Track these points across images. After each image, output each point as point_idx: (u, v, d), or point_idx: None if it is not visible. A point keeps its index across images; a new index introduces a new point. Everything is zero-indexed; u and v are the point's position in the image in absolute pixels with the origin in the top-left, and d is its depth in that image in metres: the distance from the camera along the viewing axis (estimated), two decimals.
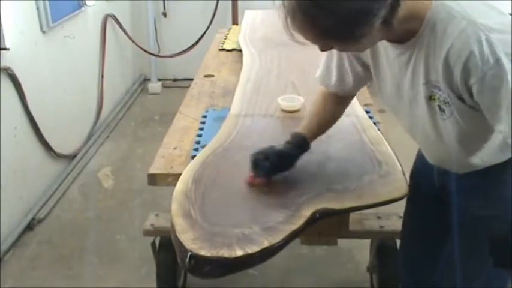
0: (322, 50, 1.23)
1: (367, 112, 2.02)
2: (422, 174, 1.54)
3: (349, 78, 1.49)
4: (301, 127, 1.55)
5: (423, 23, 1.18)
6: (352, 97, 1.62)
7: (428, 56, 1.21)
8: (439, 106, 1.25)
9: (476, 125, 1.25)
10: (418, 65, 1.24)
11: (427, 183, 1.52)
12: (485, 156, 1.33)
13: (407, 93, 1.31)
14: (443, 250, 1.49)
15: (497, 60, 1.11)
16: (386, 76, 1.36)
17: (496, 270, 1.39)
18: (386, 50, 1.31)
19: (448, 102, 1.22)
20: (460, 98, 1.20)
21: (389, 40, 1.26)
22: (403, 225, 1.73)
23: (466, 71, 1.14)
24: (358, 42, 1.14)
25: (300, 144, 1.50)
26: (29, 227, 2.83)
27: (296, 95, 2.11)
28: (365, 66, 1.45)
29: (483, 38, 1.10)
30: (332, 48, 1.23)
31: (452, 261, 1.43)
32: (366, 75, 1.47)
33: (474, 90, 1.16)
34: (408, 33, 1.21)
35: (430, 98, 1.26)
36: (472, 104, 1.20)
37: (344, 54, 1.46)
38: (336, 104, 1.57)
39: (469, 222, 1.38)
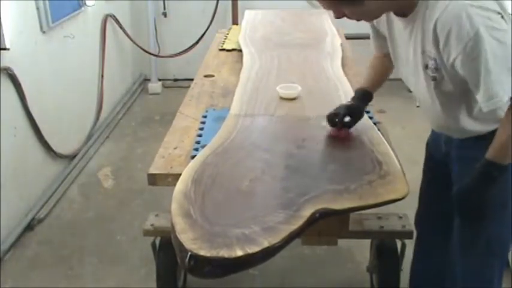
0: (337, 17, 1.45)
1: (367, 112, 2.01)
2: (434, 143, 1.77)
3: (382, 43, 1.74)
4: (361, 83, 1.85)
5: None
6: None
7: (424, 28, 1.39)
8: (431, 76, 1.42)
9: (459, 92, 1.43)
10: (417, 36, 1.43)
11: (437, 151, 1.74)
12: (467, 122, 1.50)
13: (412, 63, 1.49)
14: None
15: (476, 32, 1.24)
16: (398, 47, 1.58)
17: (495, 233, 1.53)
18: (397, 23, 1.52)
19: (439, 68, 1.39)
20: (452, 66, 1.35)
21: (395, 13, 1.49)
22: (419, 198, 1.92)
23: (448, 45, 1.30)
24: (363, 4, 1.37)
25: (364, 96, 1.80)
26: (29, 227, 2.83)
27: (294, 84, 2.15)
28: (385, 38, 1.68)
29: (463, 13, 1.25)
30: (344, 14, 1.43)
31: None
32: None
33: (458, 63, 1.31)
34: (409, 7, 1.42)
35: (426, 67, 1.43)
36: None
37: (374, 28, 1.73)
38: (387, 61, 1.75)
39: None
